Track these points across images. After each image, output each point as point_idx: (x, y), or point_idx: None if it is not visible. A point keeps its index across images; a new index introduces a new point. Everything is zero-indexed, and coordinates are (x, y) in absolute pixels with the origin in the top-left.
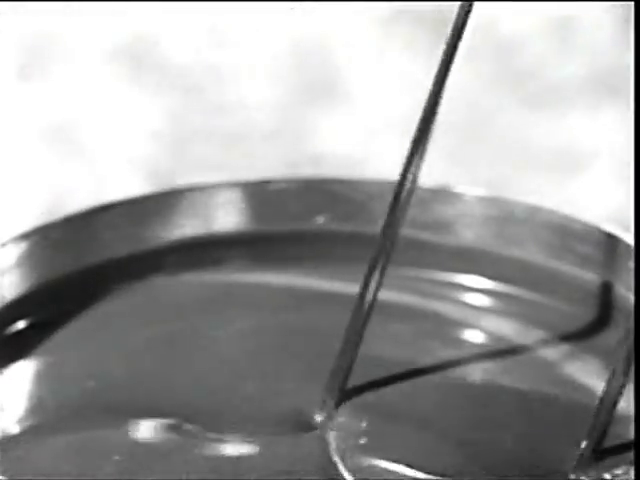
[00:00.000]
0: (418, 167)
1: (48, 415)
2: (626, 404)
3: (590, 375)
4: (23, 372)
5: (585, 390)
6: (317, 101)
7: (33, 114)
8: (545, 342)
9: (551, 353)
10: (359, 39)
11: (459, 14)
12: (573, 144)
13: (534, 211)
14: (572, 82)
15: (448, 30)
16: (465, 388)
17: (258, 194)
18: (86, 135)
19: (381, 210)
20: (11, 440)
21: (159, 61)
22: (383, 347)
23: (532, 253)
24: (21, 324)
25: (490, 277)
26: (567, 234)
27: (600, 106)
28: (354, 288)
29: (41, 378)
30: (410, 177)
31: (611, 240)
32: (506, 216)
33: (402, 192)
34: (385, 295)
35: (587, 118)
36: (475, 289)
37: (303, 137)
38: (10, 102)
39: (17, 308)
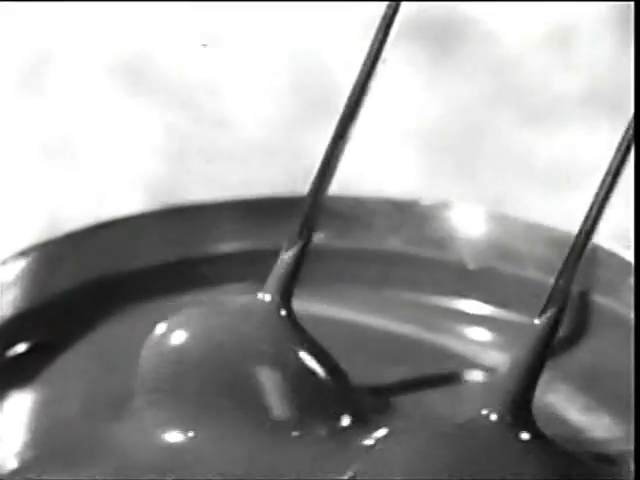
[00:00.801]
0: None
1: (49, 446)
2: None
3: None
4: (23, 400)
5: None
6: (315, 118)
7: (31, 130)
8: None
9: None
10: (359, 54)
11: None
12: (572, 160)
13: (533, 228)
14: (571, 98)
15: (449, 46)
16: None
17: (255, 211)
18: (85, 151)
19: (380, 227)
20: (10, 473)
21: (157, 77)
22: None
23: (531, 271)
24: (21, 347)
25: (489, 299)
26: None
27: (599, 123)
28: (351, 313)
29: (42, 407)
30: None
31: (611, 258)
32: (505, 233)
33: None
34: (381, 323)
35: (586, 135)
36: (474, 316)
37: (301, 154)
38: (8, 118)
39: (17, 328)
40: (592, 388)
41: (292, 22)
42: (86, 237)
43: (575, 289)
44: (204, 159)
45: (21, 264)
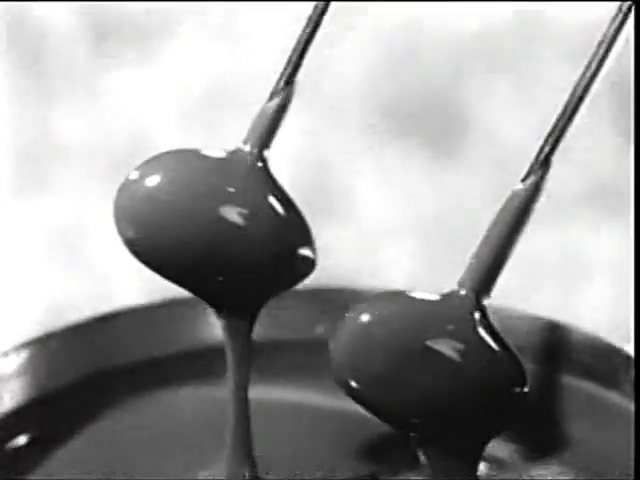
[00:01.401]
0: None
1: None
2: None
3: None
4: None
5: None
6: (317, 214)
7: (34, 223)
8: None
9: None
10: (358, 154)
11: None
12: (573, 257)
13: (536, 322)
14: (573, 198)
15: (449, 142)
16: None
17: None
18: (86, 245)
19: None
20: None
21: None
22: None
23: (533, 362)
24: (22, 439)
25: None
26: (568, 345)
27: (600, 221)
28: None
29: None
30: None
31: (612, 351)
32: (508, 326)
33: None
34: None
35: (587, 232)
36: None
37: None
38: (11, 211)
39: (18, 420)
40: (596, 477)
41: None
42: (85, 330)
43: (575, 380)
44: None
45: (22, 356)
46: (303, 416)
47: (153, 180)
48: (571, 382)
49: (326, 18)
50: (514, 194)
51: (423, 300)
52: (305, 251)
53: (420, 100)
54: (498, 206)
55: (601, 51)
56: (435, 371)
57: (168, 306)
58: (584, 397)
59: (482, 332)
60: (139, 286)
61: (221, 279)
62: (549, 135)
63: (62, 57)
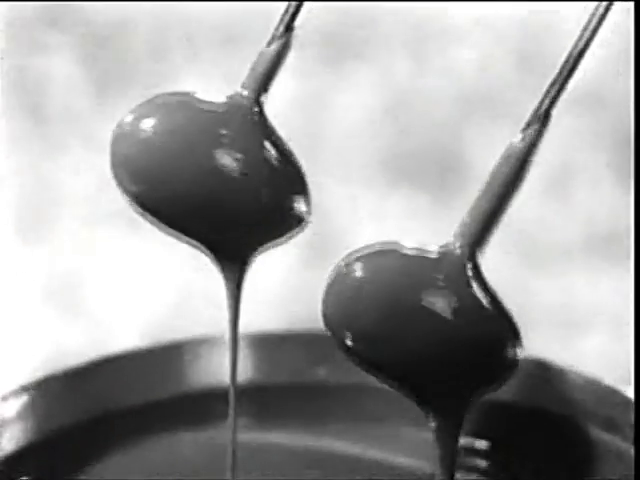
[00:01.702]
0: None
1: None
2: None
3: None
4: None
5: None
6: (318, 262)
7: (34, 271)
8: None
9: None
10: (360, 203)
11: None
12: (573, 304)
13: (536, 365)
14: (571, 244)
15: (449, 190)
16: None
17: (259, 346)
18: (86, 291)
19: None
20: None
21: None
22: None
23: (531, 403)
24: None
25: (486, 435)
26: (569, 388)
27: (598, 268)
28: (357, 449)
29: None
30: None
31: (612, 394)
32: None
33: None
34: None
35: (585, 279)
36: (473, 450)
37: (305, 295)
38: (12, 258)
39: (18, 464)
40: None
41: None
42: (84, 374)
43: (578, 425)
44: (204, 299)
45: (23, 399)
46: (304, 460)
47: (148, 125)
48: (570, 424)
49: (326, 67)
50: (511, 147)
51: (416, 254)
52: (299, 199)
53: (421, 147)
54: (499, 251)
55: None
56: (427, 325)
57: (166, 349)
58: (584, 440)
59: (475, 287)
60: (138, 332)
61: (215, 223)
62: (549, 88)
63: (62, 107)
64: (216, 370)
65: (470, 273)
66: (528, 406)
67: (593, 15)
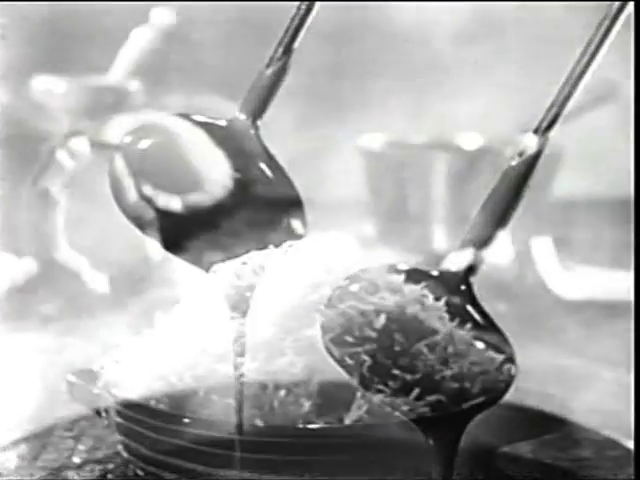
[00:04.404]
0: None
1: None
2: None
3: None
4: None
5: None
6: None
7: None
8: None
9: None
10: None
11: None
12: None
13: (541, 417)
14: (568, 304)
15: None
16: None
17: (260, 393)
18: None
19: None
20: None
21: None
22: None
23: (534, 455)
24: None
25: None
26: (572, 440)
27: (596, 327)
28: None
29: None
30: None
31: (613, 445)
32: (513, 419)
33: None
34: None
35: (583, 339)
36: None
37: (304, 346)
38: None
39: None
40: None
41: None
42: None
43: (575, 473)
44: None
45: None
46: None
47: (152, 143)
48: (569, 475)
49: (320, 133)
50: (508, 169)
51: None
52: (294, 216)
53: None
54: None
55: (603, 28)
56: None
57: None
58: None
59: (469, 306)
60: None
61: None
62: (549, 108)
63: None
64: (216, 418)
65: (465, 293)
66: (529, 455)
67: (591, 40)
